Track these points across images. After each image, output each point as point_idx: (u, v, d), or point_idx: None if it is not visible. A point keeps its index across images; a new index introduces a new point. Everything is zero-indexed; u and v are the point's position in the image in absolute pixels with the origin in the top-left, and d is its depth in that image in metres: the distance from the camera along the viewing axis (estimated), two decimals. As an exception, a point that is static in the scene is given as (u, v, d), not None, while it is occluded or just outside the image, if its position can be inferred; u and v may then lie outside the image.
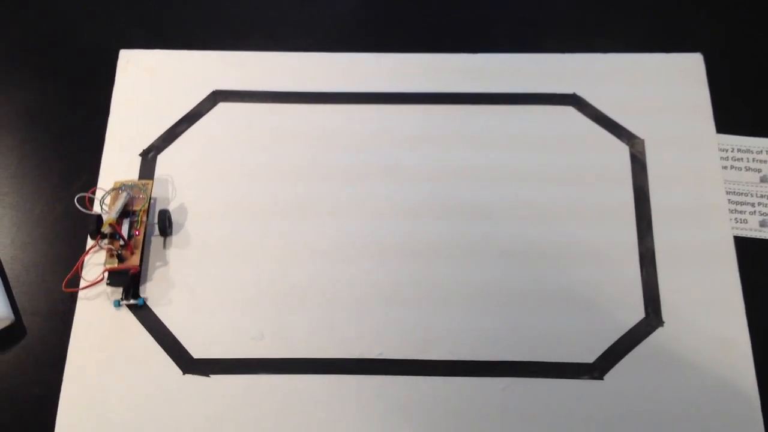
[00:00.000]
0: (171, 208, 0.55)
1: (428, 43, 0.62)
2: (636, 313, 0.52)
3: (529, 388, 0.50)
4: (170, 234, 0.54)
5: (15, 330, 0.52)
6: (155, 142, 0.57)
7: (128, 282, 0.52)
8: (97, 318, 0.52)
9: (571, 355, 0.50)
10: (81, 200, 0.53)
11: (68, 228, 0.55)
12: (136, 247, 0.52)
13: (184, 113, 0.58)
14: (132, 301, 0.52)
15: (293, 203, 0.55)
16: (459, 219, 0.55)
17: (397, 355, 0.51)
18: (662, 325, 0.51)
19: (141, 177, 0.56)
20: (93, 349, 0.51)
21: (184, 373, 0.50)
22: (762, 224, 0.55)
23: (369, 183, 0.56)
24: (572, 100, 0.59)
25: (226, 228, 0.54)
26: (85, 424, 0.49)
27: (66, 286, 0.52)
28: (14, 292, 0.53)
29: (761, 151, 0.57)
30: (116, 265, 0.52)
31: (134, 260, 0.52)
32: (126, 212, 0.53)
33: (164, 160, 0.57)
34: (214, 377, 0.50)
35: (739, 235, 0.54)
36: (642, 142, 0.57)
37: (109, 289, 0.52)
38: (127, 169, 0.56)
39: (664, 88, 0.59)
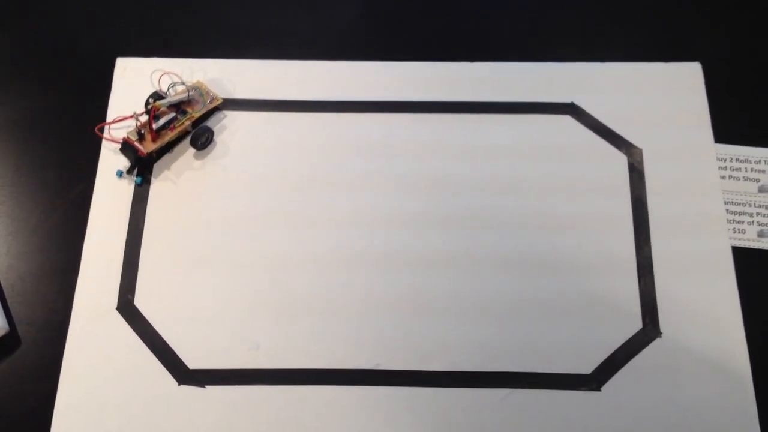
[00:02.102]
0: (169, 216, 0.55)
1: (428, 52, 0.61)
2: (634, 323, 0.52)
3: (526, 399, 0.50)
4: (200, 148, 0.56)
5: (10, 340, 0.51)
6: (152, 150, 0.57)
7: (133, 159, 0.55)
8: (92, 328, 0.51)
9: (569, 366, 0.50)
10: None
11: (64, 237, 0.54)
12: (158, 138, 0.55)
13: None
14: (132, 177, 0.55)
15: (292, 212, 0.55)
16: (457, 228, 0.55)
17: (395, 366, 0.51)
18: (660, 336, 0.51)
19: (137, 186, 0.56)
20: (88, 360, 0.50)
21: (179, 384, 0.50)
22: (760, 234, 0.54)
23: (368, 192, 0.56)
24: (570, 110, 0.59)
25: (224, 237, 0.54)
26: (80, 435, 0.48)
27: (98, 129, 0.56)
28: (9, 301, 0.53)
29: (759, 161, 0.57)
30: (134, 139, 0.54)
31: (148, 146, 0.55)
32: (182, 110, 0.56)
33: (162, 169, 0.57)
34: (209, 388, 0.50)
35: (737, 245, 0.54)
36: (640, 151, 0.57)
37: (110, 290, 0.53)
38: (124, 178, 0.56)
39: (663, 98, 0.59)
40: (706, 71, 0.60)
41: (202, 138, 0.56)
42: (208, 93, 0.58)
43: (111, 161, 0.57)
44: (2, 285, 0.53)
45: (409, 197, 0.56)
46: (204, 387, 0.50)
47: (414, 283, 0.53)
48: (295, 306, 0.52)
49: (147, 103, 0.56)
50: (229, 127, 0.58)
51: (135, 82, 0.60)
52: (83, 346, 0.51)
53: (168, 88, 0.57)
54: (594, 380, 0.50)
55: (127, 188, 0.56)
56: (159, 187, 0.56)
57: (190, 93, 0.56)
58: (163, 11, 0.64)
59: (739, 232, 0.54)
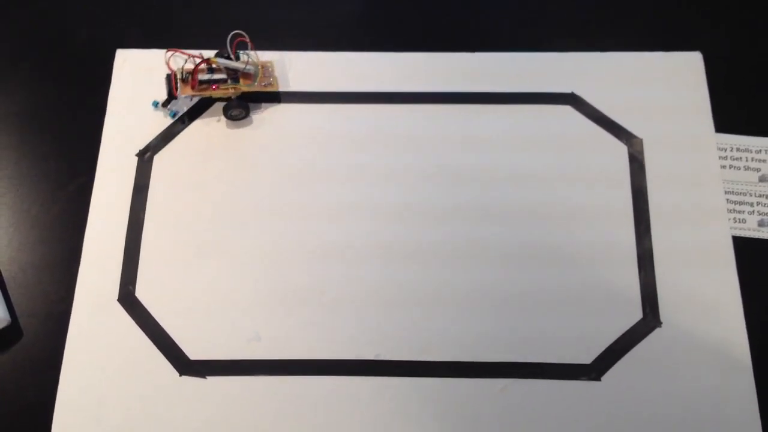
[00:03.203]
0: (167, 208, 0.55)
1: (426, 42, 0.61)
2: (634, 313, 0.52)
3: (527, 390, 0.50)
4: (229, 118, 0.57)
5: (11, 332, 0.51)
6: (152, 142, 0.57)
7: (167, 94, 0.56)
8: (93, 320, 0.51)
9: (569, 356, 0.50)
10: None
11: (65, 229, 0.55)
12: (197, 89, 0.56)
13: (180, 113, 0.58)
14: (165, 109, 0.58)
15: (291, 204, 0.55)
16: (457, 219, 0.55)
17: (395, 357, 0.51)
18: (660, 326, 0.51)
19: (137, 177, 0.56)
20: (89, 351, 0.51)
21: (180, 375, 0.50)
22: (760, 224, 0.54)
23: (366, 184, 0.56)
24: (570, 100, 0.59)
25: (224, 228, 0.54)
26: (81, 426, 0.49)
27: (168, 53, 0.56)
28: (10, 293, 0.53)
29: (760, 151, 0.57)
30: (178, 77, 0.56)
31: (184, 90, 0.56)
32: (236, 78, 0.56)
33: (161, 161, 0.57)
34: (210, 379, 0.50)
35: (738, 234, 0.54)
36: (640, 141, 0.57)
37: (111, 281, 0.53)
38: (124, 170, 0.56)
39: (663, 88, 0.59)
40: (706, 61, 0.60)
41: (235, 110, 0.57)
42: (266, 76, 0.57)
43: (111, 153, 0.57)
44: (3, 277, 0.53)
45: (408, 188, 0.56)
46: (205, 378, 0.50)
47: (414, 274, 0.53)
48: (296, 297, 0.52)
49: (218, 55, 0.56)
50: (223, 117, 0.58)
51: (135, 74, 0.60)
52: (84, 338, 0.51)
53: (238, 56, 0.57)
54: (594, 370, 0.50)
55: (127, 180, 0.56)
56: (159, 178, 0.56)
57: (247, 66, 0.56)
58: (162, 2, 0.64)
59: (739, 222, 0.54)
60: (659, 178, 0.56)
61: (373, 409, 0.49)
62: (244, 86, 0.56)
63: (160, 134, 0.58)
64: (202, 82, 0.56)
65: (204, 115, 0.58)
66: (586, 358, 0.50)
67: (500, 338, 0.51)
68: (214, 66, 0.56)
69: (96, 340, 0.51)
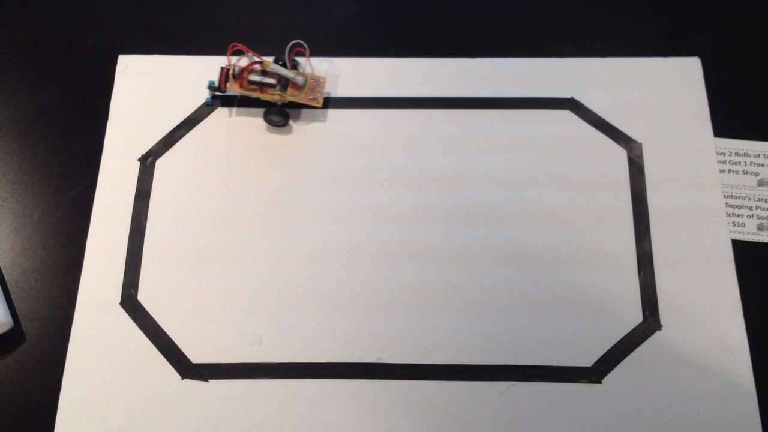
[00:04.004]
0: (169, 212, 0.55)
1: (426, 48, 0.62)
2: (634, 316, 0.52)
3: (527, 392, 0.50)
4: (269, 123, 0.58)
5: (14, 335, 0.52)
6: (154, 147, 0.58)
7: (215, 88, 0.57)
8: (95, 323, 0.52)
9: (570, 359, 0.51)
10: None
11: (67, 233, 0.55)
12: (245, 87, 0.56)
13: (182, 118, 0.59)
14: (211, 101, 0.59)
15: (292, 207, 0.55)
16: (457, 223, 0.55)
17: (396, 359, 0.51)
18: (660, 329, 0.51)
19: (140, 182, 0.56)
20: (92, 355, 0.51)
21: (182, 378, 0.50)
22: (759, 227, 0.55)
23: (368, 187, 0.56)
24: (570, 105, 0.59)
25: (226, 232, 0.55)
26: (84, 429, 0.49)
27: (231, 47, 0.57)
28: (13, 297, 0.53)
29: (758, 155, 0.57)
30: (230, 73, 0.57)
31: (232, 86, 0.57)
32: (285, 85, 0.57)
33: (163, 165, 0.57)
34: (212, 382, 0.50)
35: (737, 238, 0.54)
36: (640, 146, 0.57)
37: (113, 285, 0.53)
38: (126, 174, 0.56)
39: (662, 92, 0.59)
40: (705, 66, 0.60)
41: (276, 116, 0.57)
42: (314, 91, 0.58)
43: (113, 158, 0.57)
44: (6, 281, 0.53)
45: (409, 192, 0.56)
46: (207, 381, 0.50)
47: (415, 277, 0.53)
48: (298, 300, 0.52)
49: (277, 61, 0.57)
50: (226, 123, 0.58)
51: (137, 79, 0.60)
52: (87, 341, 0.51)
53: (295, 64, 0.58)
54: (595, 373, 0.50)
55: (129, 183, 0.56)
56: (161, 182, 0.56)
57: (296, 77, 0.57)
58: (164, 7, 0.64)
59: (738, 226, 0.55)
60: (658, 182, 0.56)
61: (374, 411, 0.49)
62: (289, 95, 0.57)
63: (161, 139, 0.58)
64: (251, 82, 0.56)
65: (206, 120, 0.59)
66: (587, 361, 0.51)
67: (501, 341, 0.51)
68: (267, 70, 0.56)
69: (98, 343, 0.51)
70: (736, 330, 0.51)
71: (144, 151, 0.57)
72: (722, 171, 0.57)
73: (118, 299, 0.52)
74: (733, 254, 0.54)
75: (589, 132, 0.58)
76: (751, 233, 0.55)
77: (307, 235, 0.54)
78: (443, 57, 0.61)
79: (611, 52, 0.61)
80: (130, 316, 0.52)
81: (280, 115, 0.57)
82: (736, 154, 0.57)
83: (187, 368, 0.50)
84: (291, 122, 0.58)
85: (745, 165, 0.57)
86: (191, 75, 0.60)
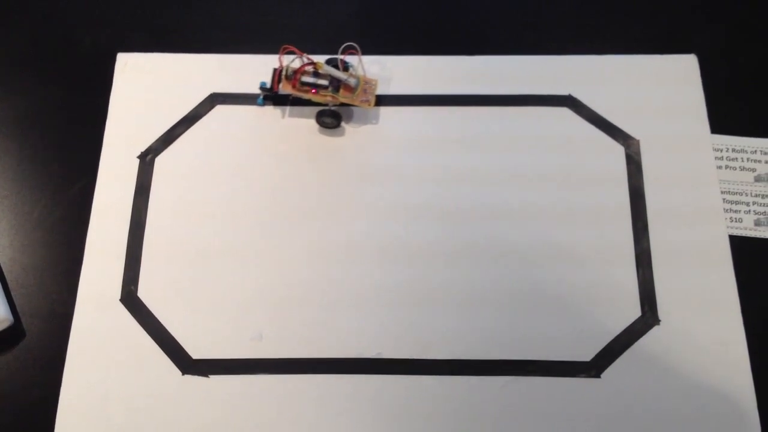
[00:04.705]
0: (169, 209, 0.55)
1: (424, 46, 0.62)
2: (632, 311, 0.52)
3: (527, 387, 0.50)
4: (321, 125, 0.58)
5: (14, 332, 0.52)
6: (153, 144, 0.58)
7: (269, 88, 0.57)
8: (95, 320, 0.52)
9: (569, 353, 0.51)
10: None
11: (67, 230, 0.55)
12: (296, 88, 0.57)
13: (182, 116, 0.59)
14: (264, 102, 0.59)
15: (292, 204, 0.56)
16: (456, 220, 0.55)
17: (396, 355, 0.51)
18: (658, 324, 0.52)
19: (139, 179, 0.56)
20: (92, 351, 0.51)
21: (183, 374, 0.50)
22: (757, 223, 0.55)
23: (366, 184, 0.56)
24: (568, 102, 0.59)
25: (225, 229, 0.55)
26: (84, 426, 0.49)
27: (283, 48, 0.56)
28: (13, 294, 0.53)
29: (755, 151, 0.57)
30: (282, 74, 0.57)
31: (285, 87, 0.57)
32: (337, 86, 0.57)
33: (162, 163, 0.57)
34: (213, 378, 0.50)
35: (735, 234, 0.55)
36: (637, 142, 0.58)
37: (113, 281, 0.53)
38: (126, 172, 0.56)
39: (659, 90, 0.60)
40: (702, 63, 0.60)
41: (328, 118, 0.57)
42: (366, 93, 0.58)
43: (113, 156, 0.57)
44: (6, 278, 0.53)
45: (407, 189, 0.56)
46: (208, 377, 0.50)
47: (415, 273, 0.53)
48: (298, 296, 0.53)
49: (329, 61, 0.57)
50: (225, 120, 0.59)
51: (136, 77, 0.60)
52: (87, 338, 0.51)
53: (347, 66, 0.57)
54: (594, 367, 0.50)
55: (129, 181, 0.56)
56: (161, 180, 0.56)
57: (349, 79, 0.57)
58: (163, 6, 0.64)
59: (736, 221, 0.55)
60: (656, 179, 0.56)
61: (374, 407, 0.50)
62: (342, 97, 0.57)
63: (161, 137, 0.58)
64: (303, 83, 0.57)
65: (205, 117, 0.59)
66: (586, 355, 0.51)
67: (500, 336, 0.51)
68: (319, 71, 0.56)
69: (99, 340, 0.51)
70: (733, 324, 0.52)
71: (143, 148, 0.58)
72: (719, 167, 0.57)
73: (119, 296, 0.53)
74: (731, 250, 0.54)
75: (587, 129, 0.58)
76: (748, 229, 0.55)
77: (306, 231, 0.55)
78: (441, 55, 0.61)
79: (609, 49, 0.61)
80: (131, 313, 0.52)
81: (332, 116, 0.57)
82: (733, 150, 0.57)
83: (187, 364, 0.51)
84: (286, 119, 0.58)
85: (742, 161, 0.57)
86: (190, 73, 0.60)
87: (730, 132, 0.58)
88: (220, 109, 0.59)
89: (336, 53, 0.59)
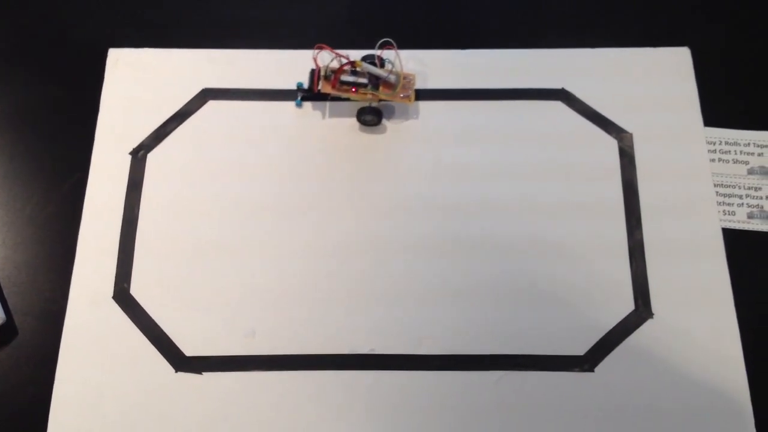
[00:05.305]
0: (161, 206, 0.55)
1: (417, 40, 0.62)
2: (626, 305, 0.52)
3: (520, 381, 0.50)
4: (362, 123, 0.58)
5: (6, 330, 0.52)
6: (145, 140, 0.57)
7: (308, 88, 0.57)
8: (88, 317, 0.52)
9: (562, 348, 0.51)
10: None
11: (59, 227, 0.55)
12: (337, 88, 0.56)
13: (173, 111, 0.59)
14: (302, 101, 0.58)
15: (284, 201, 0.55)
16: (449, 214, 0.55)
17: (390, 351, 0.51)
18: (652, 317, 0.52)
19: (131, 175, 0.56)
20: (85, 349, 0.51)
21: (176, 371, 0.50)
22: (750, 216, 0.55)
23: (359, 180, 0.56)
24: (561, 96, 0.59)
25: (217, 225, 0.55)
26: (78, 423, 0.49)
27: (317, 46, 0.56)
28: (5, 292, 0.53)
29: (748, 144, 0.57)
30: (321, 74, 0.56)
31: (325, 87, 0.56)
32: (376, 84, 0.56)
33: (154, 159, 0.57)
34: (206, 375, 0.50)
35: (728, 227, 0.55)
36: (630, 136, 0.58)
37: (106, 279, 0.53)
38: (118, 168, 0.56)
39: (652, 83, 0.60)
40: (694, 56, 0.60)
41: (368, 116, 0.57)
42: (406, 88, 0.57)
43: (105, 152, 0.57)
44: (-2, 275, 0.53)
45: (400, 184, 0.56)
46: (201, 374, 0.50)
47: (408, 269, 0.53)
48: (291, 292, 0.52)
49: (365, 58, 0.57)
50: (217, 116, 0.58)
51: (127, 73, 0.60)
52: (80, 335, 0.51)
53: (385, 62, 0.57)
54: (587, 361, 0.50)
55: (121, 177, 0.56)
56: (153, 176, 0.56)
57: (389, 75, 0.56)
58: (155, 1, 0.64)
59: (729, 214, 0.55)
60: (649, 172, 0.56)
61: (368, 402, 0.50)
62: (382, 94, 0.56)
63: (153, 133, 0.58)
64: (343, 82, 0.56)
65: (197, 113, 0.58)
66: (580, 349, 0.51)
67: (494, 331, 0.51)
68: (358, 69, 0.56)
69: (91, 337, 0.51)
70: (727, 317, 0.52)
71: (135, 144, 0.57)
72: (712, 160, 0.57)
73: (111, 293, 0.52)
74: (724, 242, 0.54)
75: (580, 123, 0.58)
76: (741, 221, 0.55)
77: (299, 227, 0.54)
78: (434, 49, 0.61)
79: (602, 43, 0.61)
80: (123, 310, 0.52)
81: (373, 113, 0.57)
82: (726, 143, 0.57)
83: (180, 361, 0.50)
84: (286, 119, 0.58)
85: (735, 154, 0.57)
86: (182, 68, 0.60)
87: (723, 125, 0.58)
88: (212, 105, 0.59)
89: (333, 47, 0.59)
